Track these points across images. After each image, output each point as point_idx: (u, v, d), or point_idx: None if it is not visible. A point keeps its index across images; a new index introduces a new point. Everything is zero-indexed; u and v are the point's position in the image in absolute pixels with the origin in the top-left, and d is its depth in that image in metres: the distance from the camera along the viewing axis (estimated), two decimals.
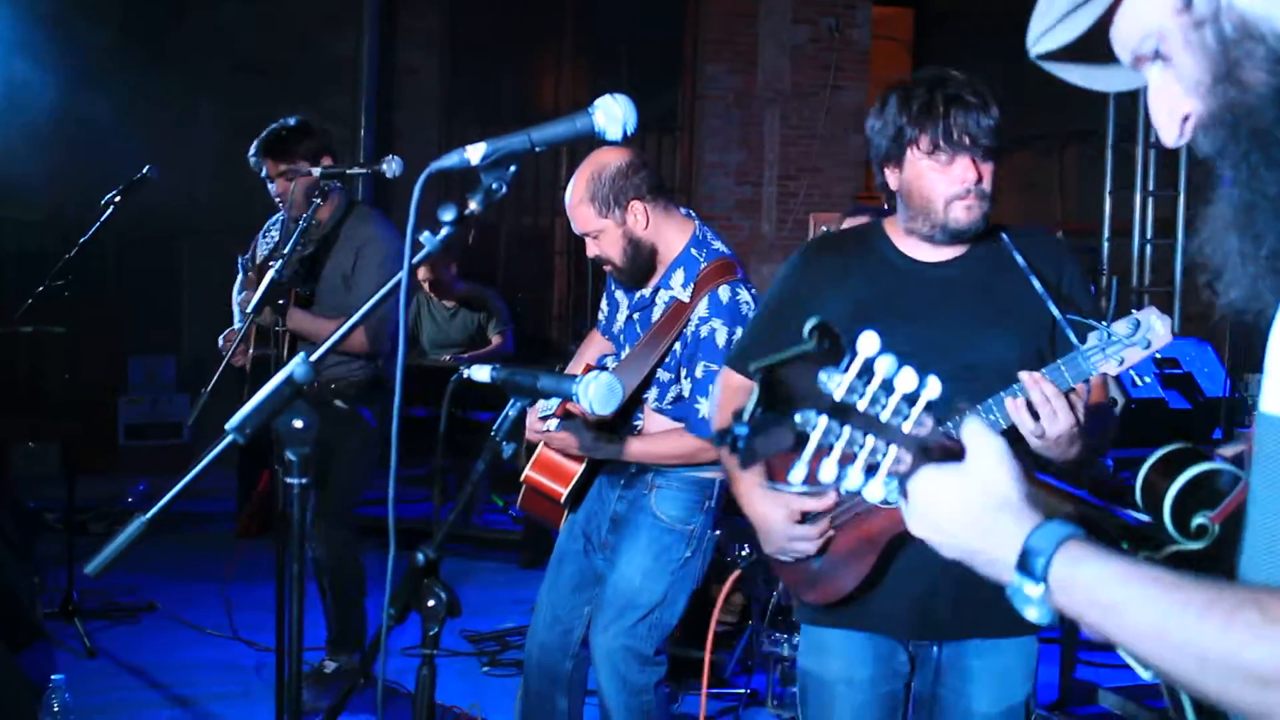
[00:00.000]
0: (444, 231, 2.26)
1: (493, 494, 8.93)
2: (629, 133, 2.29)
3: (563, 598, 4.44)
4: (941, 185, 3.16)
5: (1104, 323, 2.98)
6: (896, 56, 15.30)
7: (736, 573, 5.31)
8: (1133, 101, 10.26)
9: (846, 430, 1.49)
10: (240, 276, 5.60)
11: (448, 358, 8.50)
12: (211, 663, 5.96)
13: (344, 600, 5.60)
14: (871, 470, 1.52)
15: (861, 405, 1.51)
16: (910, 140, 3.14)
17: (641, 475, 4.22)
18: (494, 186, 2.26)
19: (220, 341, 5.45)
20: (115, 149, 7.48)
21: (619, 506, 4.28)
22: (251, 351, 5.34)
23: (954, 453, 1.56)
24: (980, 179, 3.16)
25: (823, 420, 1.49)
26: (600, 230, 4.17)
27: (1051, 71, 1.61)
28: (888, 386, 1.51)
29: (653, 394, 4.20)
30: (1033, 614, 1.48)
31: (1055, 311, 3.15)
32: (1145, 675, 1.62)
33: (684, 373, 4.11)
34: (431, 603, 2.52)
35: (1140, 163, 10.25)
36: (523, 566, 7.79)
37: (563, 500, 4.38)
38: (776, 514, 3.22)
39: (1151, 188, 10.24)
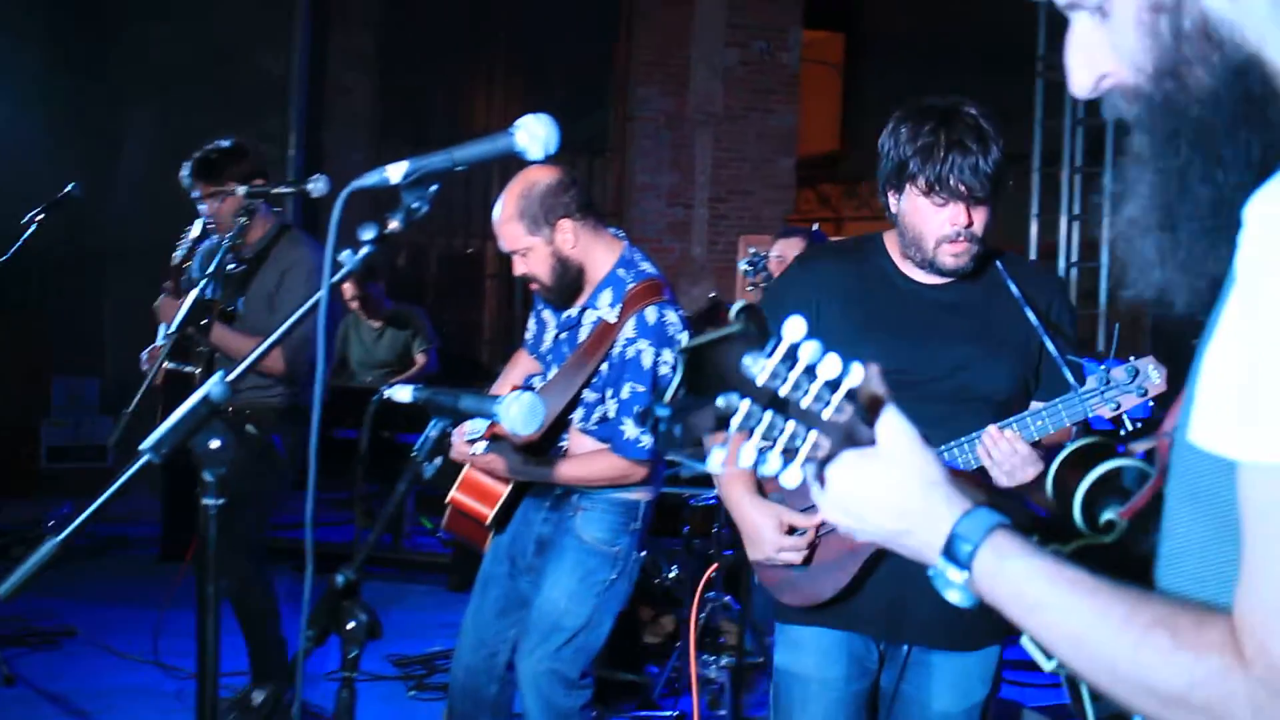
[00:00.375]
0: (363, 250, 2.25)
1: (421, 517, 8.90)
2: (550, 152, 2.30)
3: (488, 621, 4.41)
4: (933, 225, 3.22)
5: (1102, 366, 3.04)
6: (827, 80, 15.41)
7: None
8: (1058, 128, 10.42)
9: (767, 415, 1.50)
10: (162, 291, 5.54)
11: (369, 379, 8.49)
12: (132, 689, 5.90)
13: (255, 631, 5.51)
14: (790, 455, 1.52)
15: (784, 390, 1.50)
16: (910, 175, 3.20)
17: (566, 497, 4.20)
18: (415, 205, 2.26)
19: (144, 358, 5.41)
20: (42, 169, 7.41)
21: (544, 529, 4.26)
22: (166, 367, 5.27)
23: (870, 440, 1.55)
24: (971, 224, 3.21)
25: (745, 404, 1.49)
26: (528, 248, 4.16)
27: None
28: (810, 372, 1.50)
29: (578, 414, 4.19)
30: (954, 597, 1.50)
31: (1052, 349, 3.23)
32: (1047, 667, 1.62)
33: (610, 393, 4.10)
34: (351, 625, 2.50)
35: (1065, 187, 10.40)
36: (451, 589, 7.75)
37: (488, 523, 4.36)
38: (767, 524, 3.31)
39: (1076, 211, 10.40)
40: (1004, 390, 3.28)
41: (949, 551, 1.48)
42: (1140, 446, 1.86)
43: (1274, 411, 1.19)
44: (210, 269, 5.02)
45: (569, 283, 4.21)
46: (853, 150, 15.58)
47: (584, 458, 4.18)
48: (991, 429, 3.05)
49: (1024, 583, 1.42)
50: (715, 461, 1.53)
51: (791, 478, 1.52)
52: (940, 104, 3.29)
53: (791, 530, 3.30)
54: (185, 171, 5.41)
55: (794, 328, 1.49)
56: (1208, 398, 1.27)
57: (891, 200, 3.30)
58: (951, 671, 3.35)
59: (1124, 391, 3.00)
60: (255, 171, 5.42)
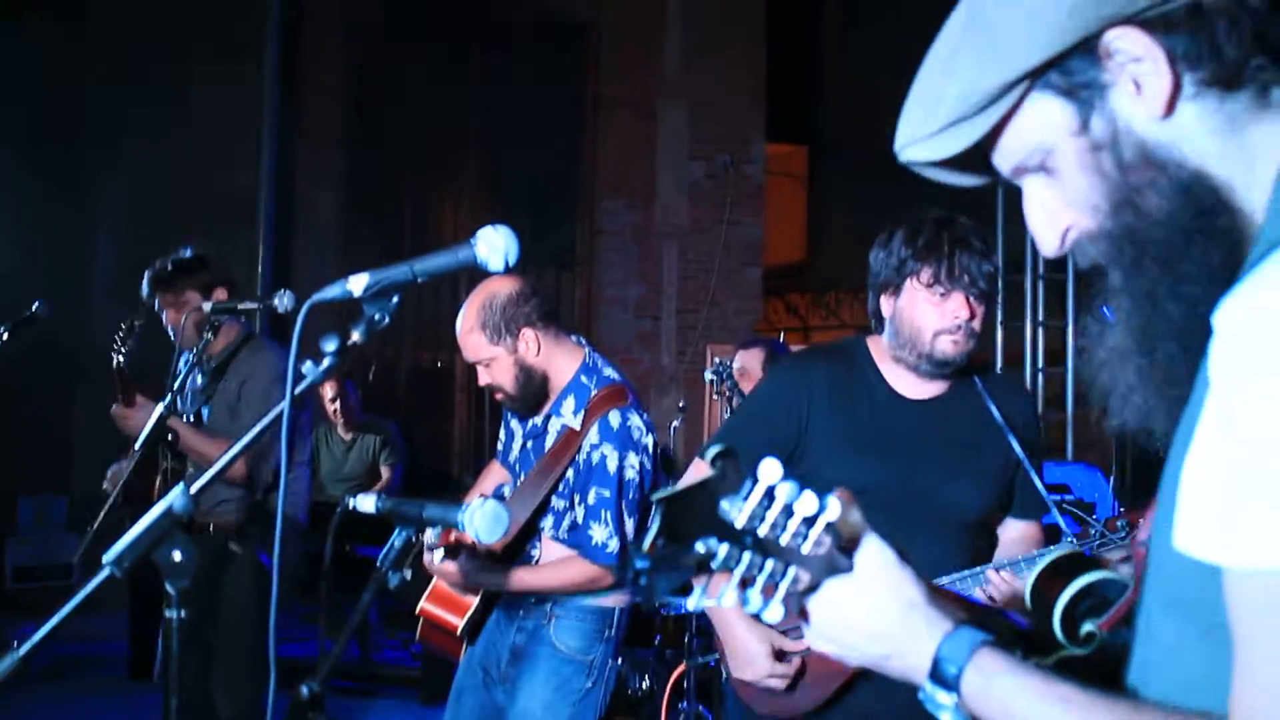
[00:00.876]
0: (326, 361, 2.27)
1: (388, 630, 8.84)
2: (511, 263, 2.32)
3: None
4: (933, 318, 3.29)
5: (1098, 520, 3.11)
6: (792, 191, 15.54)
7: None
8: (1021, 234, 10.48)
9: (746, 556, 1.52)
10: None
11: (337, 493, 8.47)
12: None
13: None
14: (771, 591, 1.54)
15: (762, 531, 1.53)
16: (912, 272, 3.28)
17: (540, 605, 4.18)
18: (376, 317, 2.28)
19: (108, 476, 5.37)
20: (9, 284, 7.41)
21: (518, 638, 4.24)
22: (123, 480, 5.22)
23: (849, 569, 1.59)
24: (973, 316, 3.29)
25: (724, 548, 1.51)
26: (492, 358, 4.18)
27: (918, 169, 1.57)
28: (788, 510, 1.53)
29: (548, 522, 4.19)
30: (946, 719, 1.50)
31: (1032, 472, 3.33)
32: None
33: (577, 499, 4.10)
34: None
35: (1029, 294, 10.47)
36: (424, 703, 7.68)
37: (459, 632, 4.34)
38: (760, 650, 3.32)
39: (1041, 318, 10.47)
40: (977, 511, 3.35)
41: (935, 674, 1.49)
42: (1116, 555, 1.88)
43: (1257, 517, 1.19)
44: (177, 385, 5.02)
45: (533, 391, 4.22)
46: (818, 260, 15.68)
47: (553, 565, 4.17)
48: (992, 573, 3.11)
49: (1013, 700, 1.42)
50: (694, 602, 1.55)
51: (774, 614, 1.54)
52: (934, 214, 3.37)
53: (781, 654, 3.32)
54: (144, 284, 5.38)
55: (769, 470, 1.51)
56: (1190, 505, 1.28)
57: (886, 305, 3.37)
58: None
59: (1116, 546, 3.06)
60: (215, 282, 5.40)
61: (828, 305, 15.33)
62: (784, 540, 1.53)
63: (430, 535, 4.20)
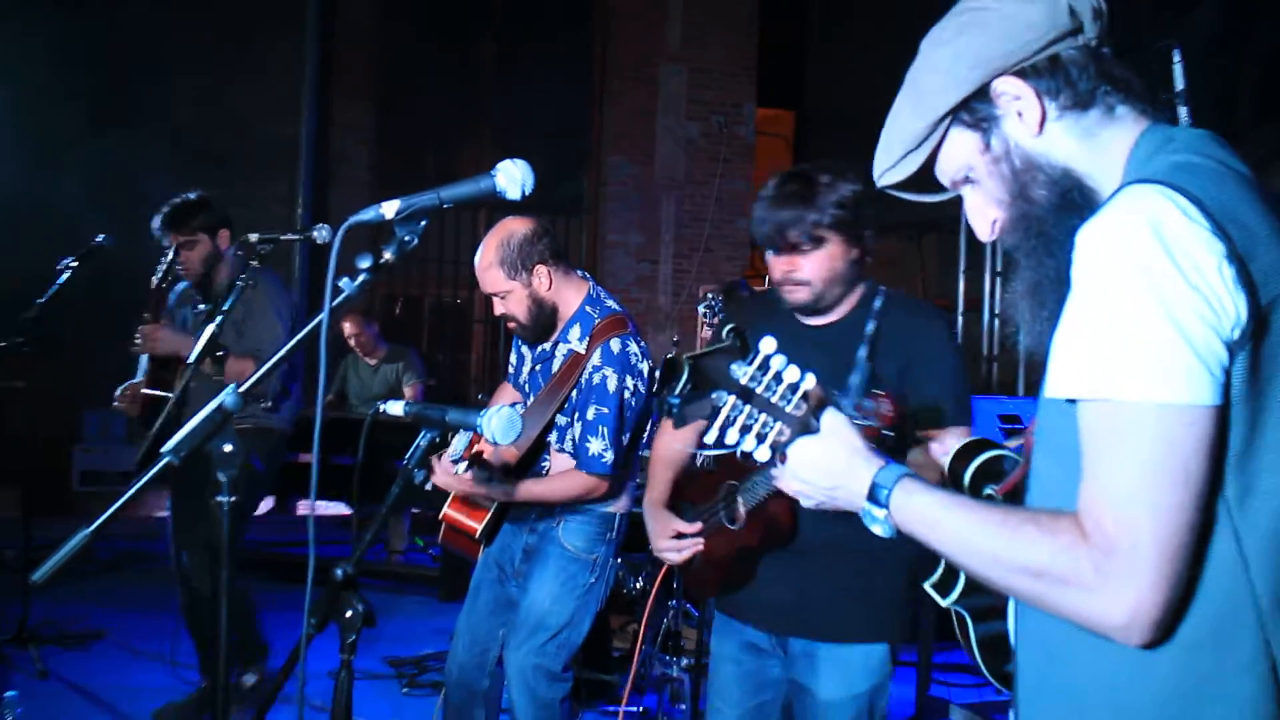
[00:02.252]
0: (361, 277, 2.27)
1: (413, 535, 8.87)
2: (526, 193, 2.31)
3: (480, 622, 4.42)
4: (776, 273, 3.31)
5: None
6: (779, 150, 15.49)
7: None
8: None
9: (747, 408, 1.88)
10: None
11: (365, 411, 8.48)
12: (152, 686, 5.85)
13: (241, 625, 5.51)
14: (761, 438, 1.88)
15: (759, 390, 1.88)
16: (753, 234, 3.41)
17: (550, 510, 4.22)
18: (406, 239, 2.28)
19: (117, 394, 5.46)
20: (77, 223, 7.39)
21: (530, 539, 4.27)
22: (146, 393, 5.34)
23: (817, 429, 1.89)
24: (797, 270, 3.26)
25: (731, 399, 1.88)
26: (508, 291, 4.18)
27: (893, 193, 1.93)
28: (778, 378, 1.87)
29: (554, 437, 4.22)
30: (878, 530, 1.83)
31: (856, 379, 3.24)
32: (945, 603, 2.11)
33: (577, 415, 4.12)
34: (349, 614, 2.51)
35: (989, 247, 10.44)
36: (442, 600, 7.71)
37: (477, 535, 4.37)
38: (662, 530, 3.61)
39: (999, 269, 10.44)
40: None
41: (871, 496, 1.81)
42: (1013, 442, 2.27)
43: (1091, 363, 1.54)
44: (224, 309, 5.03)
45: (543, 320, 4.23)
46: None
47: (557, 477, 4.19)
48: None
49: (926, 509, 1.74)
50: (711, 437, 1.91)
51: (763, 454, 1.88)
52: (795, 168, 3.39)
53: (680, 536, 3.57)
54: (155, 222, 5.41)
55: (769, 344, 1.89)
56: (1055, 364, 1.60)
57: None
58: (835, 665, 3.35)
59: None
60: (220, 222, 5.46)
61: None
62: (774, 399, 1.87)
63: (455, 446, 4.23)
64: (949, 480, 2.12)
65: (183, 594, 5.54)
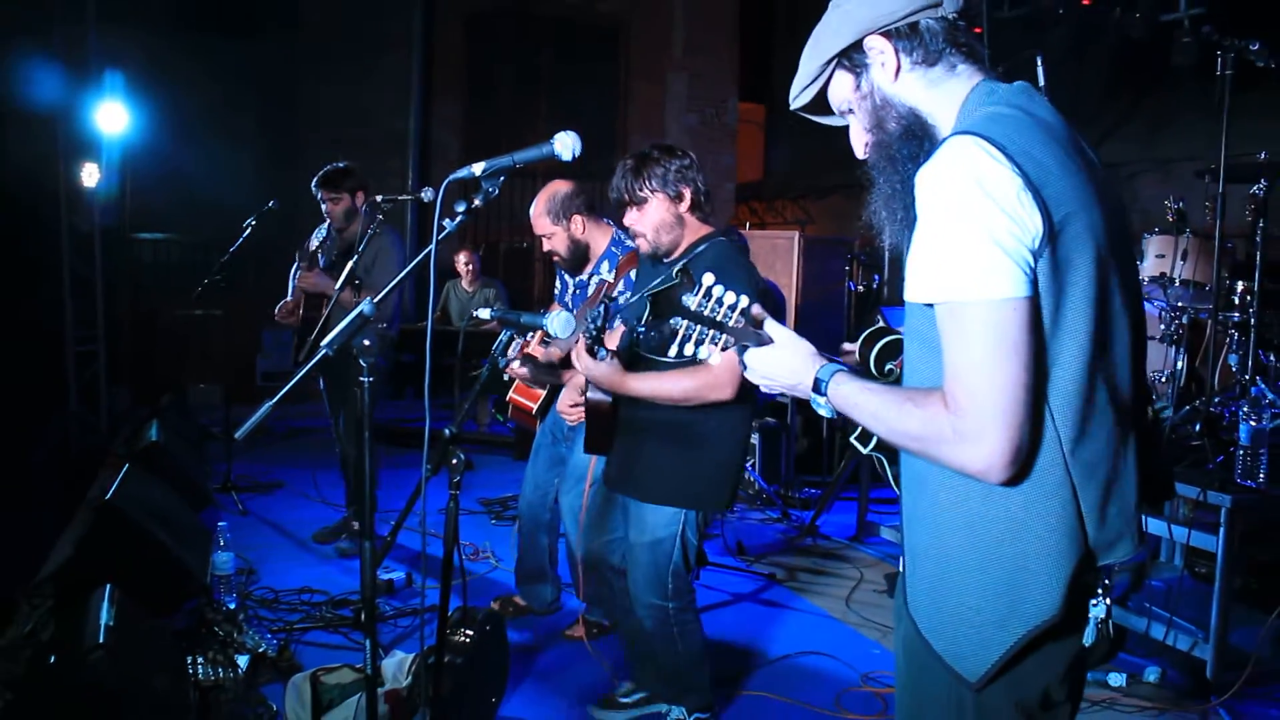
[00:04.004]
0: (459, 218, 2.25)
1: (495, 413, 8.90)
2: (576, 155, 2.29)
3: (540, 473, 4.46)
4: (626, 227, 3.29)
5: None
6: (754, 133, 15.38)
7: None
8: None
9: (698, 327, 1.83)
10: (295, 265, 5.54)
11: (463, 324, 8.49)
12: (318, 519, 5.94)
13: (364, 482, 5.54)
14: (714, 344, 1.84)
15: (705, 312, 1.82)
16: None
17: None
18: (489, 190, 2.26)
19: (279, 308, 5.47)
20: (252, 192, 7.41)
21: None
22: (301, 312, 5.37)
23: (760, 338, 1.87)
24: (635, 224, 3.22)
25: (684, 323, 1.82)
26: (553, 233, 4.17)
27: (806, 117, 1.88)
28: (719, 301, 1.83)
29: None
30: (822, 412, 1.82)
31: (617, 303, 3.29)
32: (864, 450, 2.05)
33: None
34: (455, 461, 2.53)
35: None
36: (515, 459, 7.76)
37: (534, 412, 4.39)
38: (567, 396, 3.69)
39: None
40: (657, 340, 3.17)
41: (815, 388, 1.80)
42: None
43: (935, 274, 1.51)
44: (359, 250, 5.03)
45: (579, 256, 4.21)
46: (770, 180, 15.51)
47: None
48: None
49: (848, 395, 1.73)
50: (673, 351, 1.83)
51: (715, 358, 1.85)
52: (641, 150, 3.28)
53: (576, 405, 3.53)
54: (314, 182, 5.37)
55: (708, 278, 1.83)
56: (910, 275, 1.57)
57: None
58: (638, 516, 3.29)
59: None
60: (360, 185, 5.42)
61: (776, 209, 15.17)
62: (718, 317, 1.83)
63: (512, 350, 4.24)
64: (860, 357, 2.09)
65: (342, 452, 5.60)
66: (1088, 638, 1.65)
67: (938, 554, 1.65)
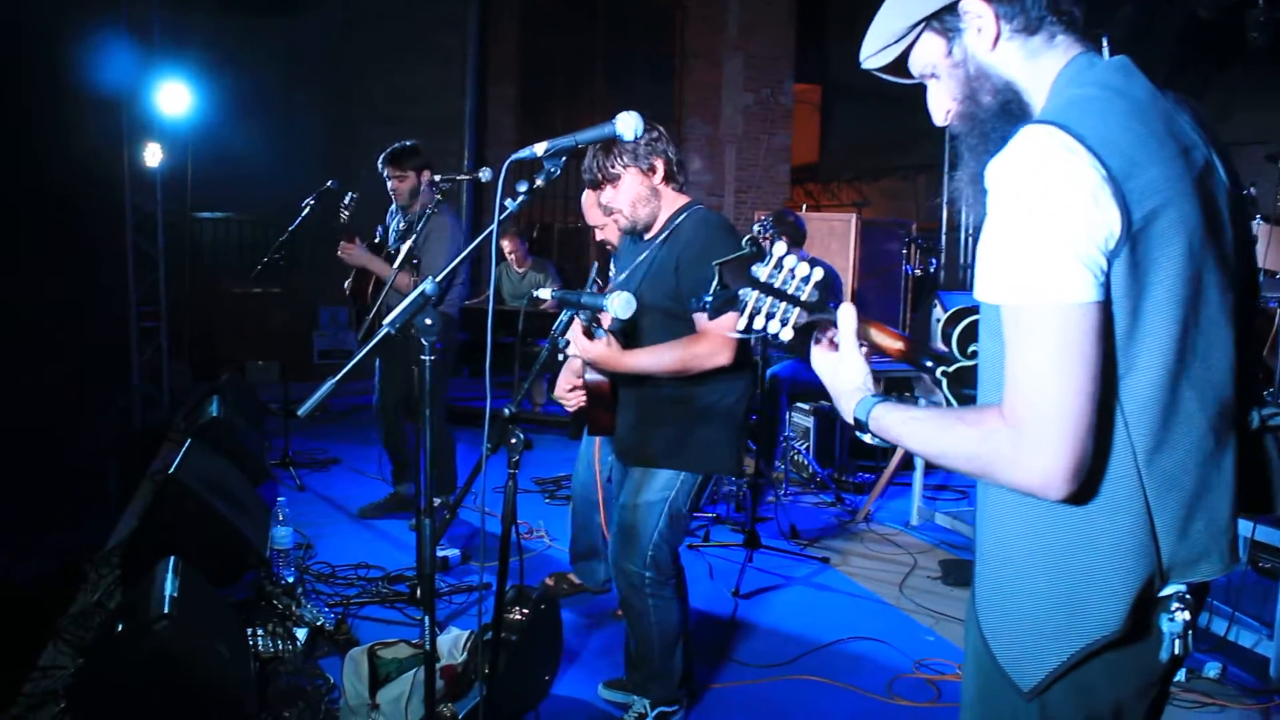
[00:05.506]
0: (521, 198, 2.25)
1: (551, 395, 8.93)
2: (638, 135, 2.29)
3: (593, 453, 4.47)
4: (601, 203, 3.26)
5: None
6: (810, 114, 15.22)
7: None
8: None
9: (768, 299, 1.73)
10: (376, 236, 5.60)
11: (514, 304, 8.53)
12: (373, 495, 6.00)
13: (438, 456, 5.52)
14: (784, 322, 1.73)
15: (776, 283, 1.73)
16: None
17: None
18: (552, 170, 2.25)
19: (347, 285, 5.54)
20: (310, 173, 7.49)
21: None
22: (349, 283, 5.45)
23: (825, 314, 1.76)
24: (610, 201, 3.21)
25: (754, 294, 1.73)
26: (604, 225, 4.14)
27: (874, 73, 1.75)
28: (791, 272, 1.73)
29: None
30: (867, 439, 1.73)
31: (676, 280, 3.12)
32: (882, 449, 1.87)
33: None
34: (513, 440, 2.55)
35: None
36: (571, 439, 7.76)
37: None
38: (563, 380, 3.42)
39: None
40: (658, 309, 3.16)
41: (856, 425, 1.73)
42: None
43: (1003, 275, 1.43)
44: (418, 228, 5.07)
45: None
46: (825, 161, 15.38)
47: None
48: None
49: (892, 427, 1.64)
50: (742, 323, 1.73)
51: (786, 334, 1.73)
52: None
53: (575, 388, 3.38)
54: (380, 159, 5.42)
55: (779, 247, 1.73)
56: (980, 272, 1.48)
57: None
58: (632, 479, 3.28)
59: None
60: (425, 163, 5.46)
61: (831, 191, 15.05)
62: (790, 289, 1.73)
63: (570, 332, 4.23)
64: (942, 336, 1.92)
65: (381, 428, 5.65)
66: (1164, 653, 1.55)
67: (1001, 558, 1.60)
